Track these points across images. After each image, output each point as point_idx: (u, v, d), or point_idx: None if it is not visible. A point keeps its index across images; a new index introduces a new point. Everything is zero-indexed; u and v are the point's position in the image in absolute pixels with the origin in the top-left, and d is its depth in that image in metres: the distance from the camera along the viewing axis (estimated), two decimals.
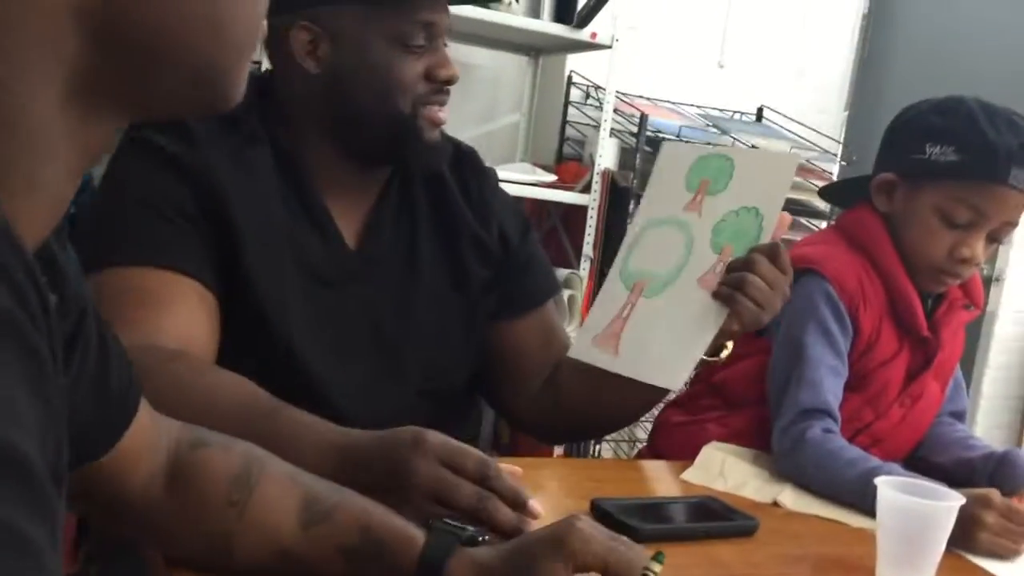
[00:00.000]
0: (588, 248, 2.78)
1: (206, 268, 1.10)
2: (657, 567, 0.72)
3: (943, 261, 1.36)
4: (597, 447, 2.76)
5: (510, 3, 2.64)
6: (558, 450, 1.57)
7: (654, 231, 1.28)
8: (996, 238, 1.37)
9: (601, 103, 2.81)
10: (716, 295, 1.19)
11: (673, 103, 3.12)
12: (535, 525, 0.85)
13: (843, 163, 3.06)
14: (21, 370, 0.38)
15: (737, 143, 2.88)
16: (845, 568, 1.04)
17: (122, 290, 1.04)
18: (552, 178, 2.79)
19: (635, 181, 2.75)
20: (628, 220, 2.75)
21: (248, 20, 0.52)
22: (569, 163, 2.97)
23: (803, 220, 2.82)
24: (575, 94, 3.06)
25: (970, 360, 3.15)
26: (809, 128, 3.15)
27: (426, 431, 0.88)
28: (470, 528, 0.79)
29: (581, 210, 2.78)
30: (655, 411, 1.49)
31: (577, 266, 2.81)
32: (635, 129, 2.78)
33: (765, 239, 1.20)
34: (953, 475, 1.36)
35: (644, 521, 1.03)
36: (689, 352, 1.19)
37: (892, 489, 1.01)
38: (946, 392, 1.49)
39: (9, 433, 0.36)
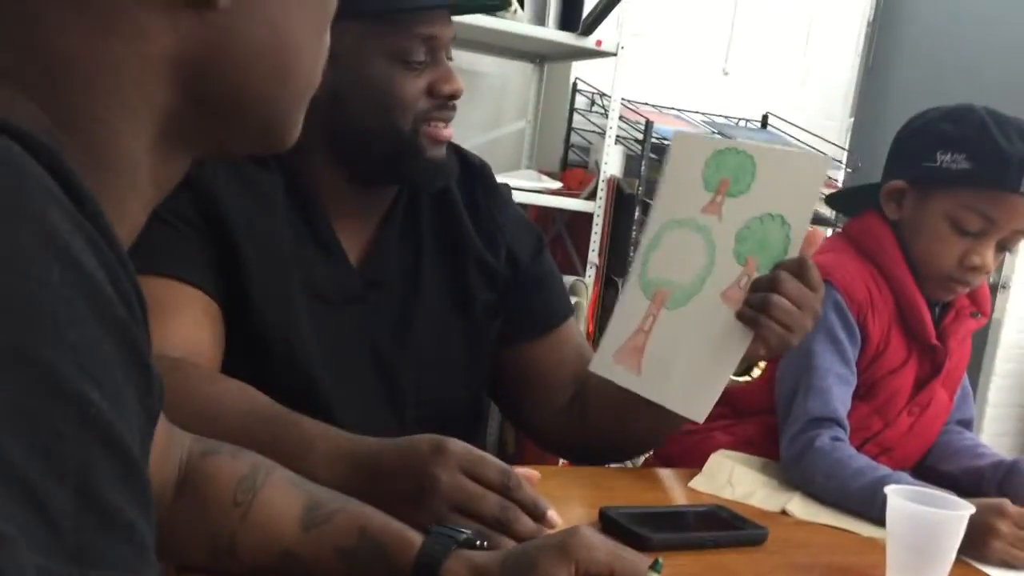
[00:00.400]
0: (593, 255, 2.78)
1: (208, 277, 1.09)
2: None
3: (953, 269, 1.36)
4: None
5: (515, 10, 2.65)
6: (563, 460, 1.56)
7: (672, 233, 1.21)
8: (1006, 246, 1.37)
9: (606, 110, 2.81)
10: (740, 316, 1.12)
11: (678, 110, 3.12)
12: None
13: (848, 170, 3.06)
14: (132, 378, 0.40)
15: None
16: None
17: None
18: (557, 185, 2.79)
19: (640, 188, 2.75)
20: (633, 227, 2.75)
21: (309, 71, 0.57)
22: (574, 170, 2.97)
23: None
24: (580, 101, 3.06)
25: (976, 368, 3.14)
26: (814, 135, 3.15)
27: (447, 439, 0.88)
28: (467, 531, 0.78)
29: (586, 217, 2.78)
30: None
31: (583, 273, 2.80)
32: (640, 136, 2.79)
33: (792, 252, 1.12)
34: (962, 484, 1.36)
35: (653, 530, 1.02)
36: (713, 382, 1.13)
37: (902, 498, 1.00)
38: (954, 400, 1.49)
39: (123, 432, 0.38)
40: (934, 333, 1.40)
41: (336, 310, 1.18)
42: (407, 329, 1.23)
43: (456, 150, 1.28)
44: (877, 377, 1.39)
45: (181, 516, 0.77)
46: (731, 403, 1.47)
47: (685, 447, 1.46)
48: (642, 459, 1.61)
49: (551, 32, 2.72)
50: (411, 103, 1.15)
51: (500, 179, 1.37)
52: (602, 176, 2.78)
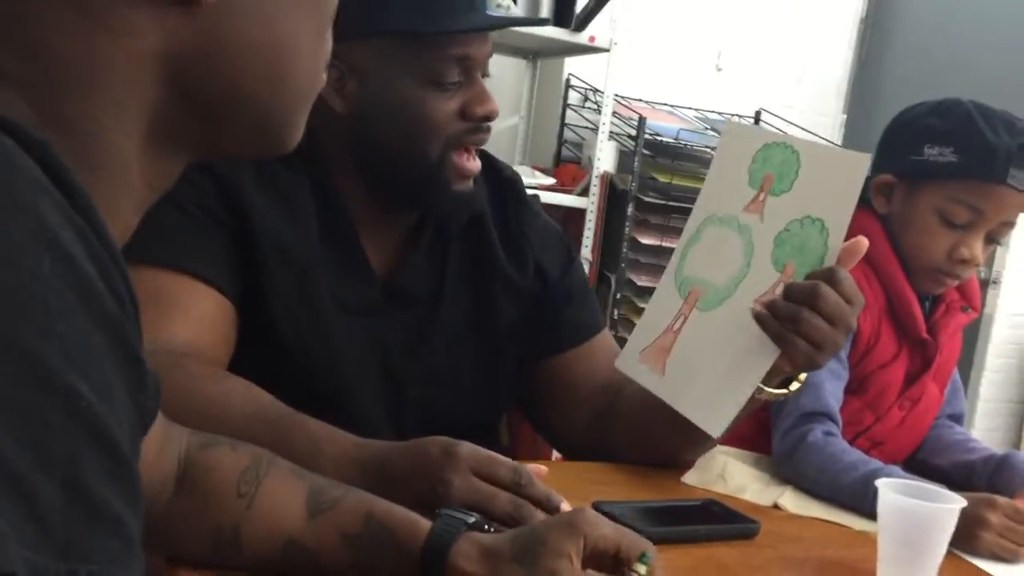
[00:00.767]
0: (586, 251, 2.79)
1: (225, 274, 1.08)
2: (642, 568, 0.73)
3: (942, 262, 1.36)
4: None
5: (509, 6, 2.65)
6: (557, 453, 1.56)
7: (713, 230, 1.16)
8: (994, 239, 1.38)
9: (599, 106, 2.82)
10: (766, 329, 1.05)
11: (672, 106, 3.13)
12: None
13: None
14: (122, 372, 0.40)
15: None
16: (846, 571, 1.04)
17: (139, 289, 1.03)
18: (551, 181, 2.80)
19: (633, 184, 2.75)
20: (627, 223, 2.76)
21: (308, 73, 0.57)
22: (567, 166, 2.98)
23: None
24: (573, 97, 3.07)
25: (967, 363, 3.15)
26: (807, 131, 3.15)
27: (455, 442, 0.89)
28: (475, 515, 0.79)
29: (580, 213, 2.79)
30: None
31: None
32: (634, 132, 2.79)
33: (830, 260, 1.04)
34: (952, 477, 1.37)
35: (645, 523, 1.03)
36: (732, 396, 1.08)
37: (893, 491, 1.01)
38: (944, 395, 1.49)
39: (112, 426, 0.38)
40: (924, 327, 1.41)
41: (354, 319, 1.17)
42: (423, 343, 1.22)
43: (487, 160, 1.25)
44: (868, 371, 1.39)
45: (182, 510, 0.77)
46: None
47: None
48: None
49: (544, 28, 2.73)
50: (442, 127, 1.11)
51: None
52: (595, 172, 2.78)
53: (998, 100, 1.39)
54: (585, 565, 0.74)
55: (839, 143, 3.42)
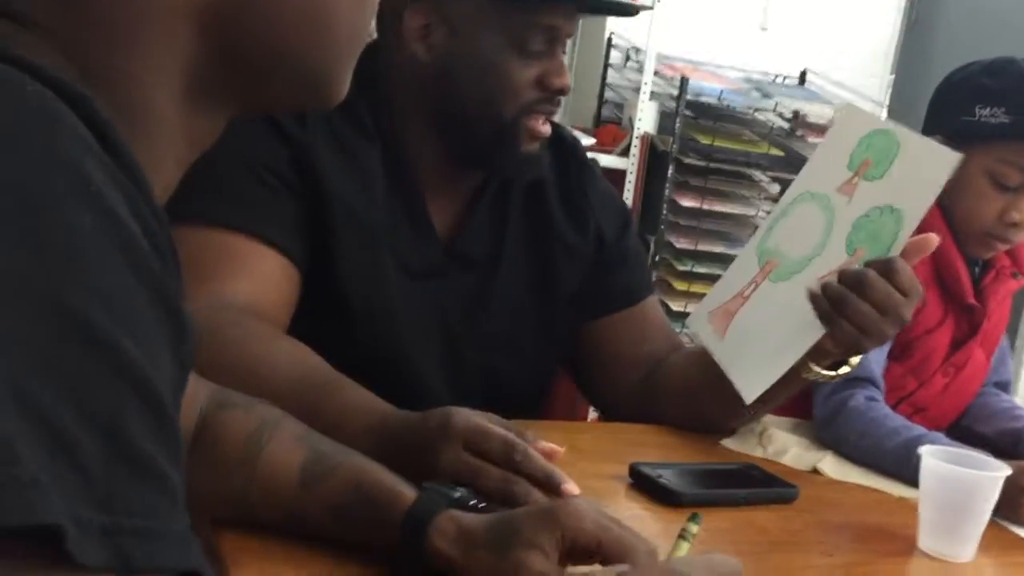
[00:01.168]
0: None
1: (293, 238, 1.09)
2: (695, 528, 0.69)
3: (993, 225, 1.34)
4: None
5: None
6: (594, 414, 1.56)
7: (804, 206, 1.17)
8: None
9: (641, 66, 2.78)
10: (816, 308, 1.06)
11: (715, 66, 3.08)
12: None
13: None
14: (167, 332, 0.40)
15: (779, 106, 2.84)
16: (885, 537, 1.03)
17: (204, 248, 1.04)
18: (591, 141, 2.77)
19: (674, 145, 2.72)
20: (667, 185, 2.73)
21: (352, 23, 0.54)
22: (608, 126, 2.95)
23: None
24: (615, 56, 3.03)
25: (1014, 330, 3.10)
26: (854, 92, 3.09)
27: (455, 413, 0.86)
28: (460, 490, 0.77)
29: (619, 174, 2.77)
30: None
31: None
32: (676, 92, 2.76)
33: (896, 251, 1.05)
34: (998, 446, 1.34)
35: (683, 486, 1.02)
36: (772, 367, 1.10)
37: (936, 458, 0.99)
38: (992, 362, 1.47)
39: (155, 382, 0.38)
40: (972, 292, 1.39)
41: (417, 282, 1.18)
42: (481, 307, 1.22)
43: (557, 130, 1.26)
44: (912, 337, 1.37)
45: (196, 470, 0.77)
46: None
47: None
48: None
49: None
50: (519, 92, 1.13)
51: None
52: (636, 133, 2.76)
53: None
54: (569, 558, 0.71)
55: (886, 105, 3.35)
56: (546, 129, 1.17)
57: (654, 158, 2.80)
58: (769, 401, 1.17)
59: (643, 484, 1.03)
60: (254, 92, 0.53)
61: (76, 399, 0.34)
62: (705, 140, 2.77)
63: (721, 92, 2.79)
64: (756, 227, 2.92)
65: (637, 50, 2.91)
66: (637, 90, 2.78)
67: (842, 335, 1.05)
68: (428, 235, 1.19)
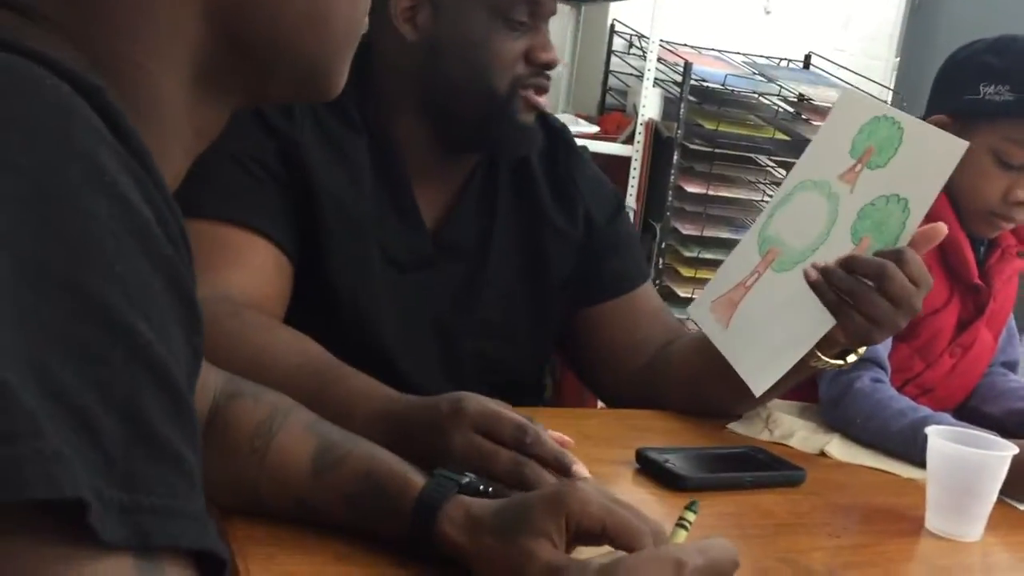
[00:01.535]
0: (631, 200, 2.76)
1: (282, 228, 1.09)
2: (691, 516, 0.69)
3: (997, 204, 1.33)
4: None
5: None
6: (601, 402, 1.56)
7: (805, 194, 1.17)
8: None
9: (644, 52, 2.77)
10: (823, 298, 1.05)
11: (719, 51, 3.07)
12: None
13: None
14: (181, 318, 0.41)
15: (784, 90, 2.83)
16: (894, 518, 1.03)
17: (198, 242, 1.03)
18: (595, 129, 2.77)
19: (679, 131, 2.71)
20: (672, 171, 2.72)
21: (348, 16, 0.56)
22: (612, 114, 2.94)
23: None
24: (618, 43, 3.02)
25: (1021, 309, 3.09)
26: (859, 75, 3.08)
27: (465, 398, 0.86)
28: (470, 476, 0.77)
29: (624, 161, 2.76)
30: None
31: None
32: (679, 78, 2.75)
33: (904, 241, 1.04)
34: (1006, 426, 1.34)
35: (689, 470, 1.02)
36: (781, 359, 1.10)
37: (943, 438, 0.99)
38: (999, 342, 1.47)
39: (171, 366, 0.38)
40: (976, 272, 1.38)
41: (407, 273, 1.18)
42: (472, 296, 1.22)
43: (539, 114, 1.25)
44: (918, 317, 1.35)
45: (208, 459, 0.78)
46: None
47: None
48: None
49: None
50: (508, 64, 1.13)
51: None
52: (640, 119, 2.75)
53: None
54: (577, 541, 0.71)
55: (891, 88, 3.34)
56: (541, 100, 1.17)
57: (659, 145, 2.80)
58: (775, 390, 1.17)
59: (650, 469, 1.03)
60: (257, 82, 0.54)
61: (94, 380, 0.35)
62: (710, 125, 2.76)
63: (725, 77, 2.78)
64: (762, 212, 2.92)
65: (640, 36, 2.90)
66: (641, 77, 2.78)
67: (852, 325, 1.05)
68: (416, 226, 1.19)
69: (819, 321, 1.07)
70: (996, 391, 1.45)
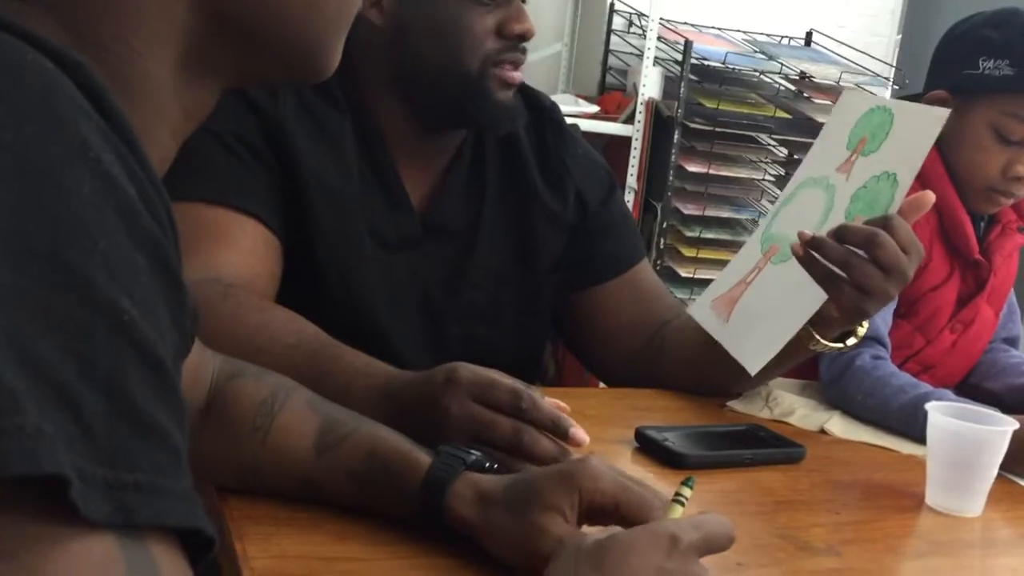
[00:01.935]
0: (632, 180, 2.75)
1: (270, 209, 1.09)
2: (687, 492, 0.69)
3: (996, 180, 1.33)
4: None
5: None
6: (601, 382, 1.56)
7: (806, 191, 1.18)
8: None
9: (644, 31, 2.75)
10: (813, 272, 1.05)
11: (719, 29, 3.05)
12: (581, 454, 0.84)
13: (895, 87, 2.98)
14: (165, 295, 0.40)
15: (785, 68, 2.81)
16: (894, 494, 1.03)
17: (187, 224, 1.02)
18: (595, 109, 2.75)
19: (679, 111, 2.70)
20: (673, 151, 2.71)
21: None
22: (612, 93, 2.92)
23: None
24: (618, 22, 3.00)
25: (1022, 285, 3.08)
26: (860, 52, 3.06)
27: (459, 367, 0.86)
28: (476, 453, 0.77)
29: (625, 141, 2.75)
30: None
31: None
32: (680, 57, 2.73)
33: (893, 210, 1.04)
34: (1006, 402, 1.34)
35: (689, 448, 1.02)
36: (775, 338, 1.10)
37: (943, 414, 0.99)
38: (999, 318, 1.46)
39: (155, 343, 0.38)
40: (977, 248, 1.38)
41: (395, 254, 1.17)
42: (461, 277, 1.21)
43: (524, 90, 1.24)
44: (918, 294, 1.36)
45: (208, 439, 0.78)
46: None
47: None
48: None
49: None
50: (479, 42, 1.11)
51: None
52: (640, 99, 2.73)
53: None
54: (586, 519, 0.71)
55: (893, 64, 3.32)
56: (516, 76, 1.15)
57: (659, 124, 2.78)
58: (773, 371, 1.17)
59: (649, 447, 1.03)
60: (247, 62, 0.53)
61: (77, 355, 0.35)
62: (710, 104, 2.74)
63: (726, 55, 2.76)
64: (764, 191, 2.91)
65: (640, 15, 2.88)
66: (640, 56, 2.76)
67: (843, 297, 1.04)
68: (403, 207, 1.18)
69: (810, 297, 1.07)
70: (997, 367, 1.44)
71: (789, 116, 2.80)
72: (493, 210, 1.23)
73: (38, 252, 0.35)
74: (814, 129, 2.73)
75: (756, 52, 2.92)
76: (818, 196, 1.16)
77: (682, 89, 2.70)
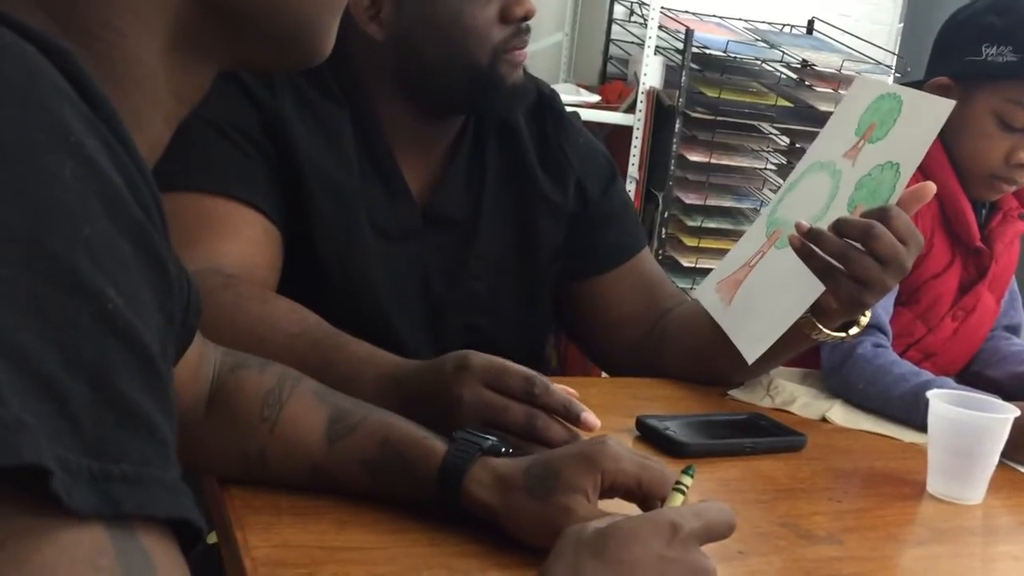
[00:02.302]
0: (633, 169, 2.75)
1: (270, 199, 1.09)
2: (688, 480, 0.70)
3: (999, 167, 1.32)
4: None
5: None
6: (605, 373, 1.56)
7: (813, 175, 1.18)
8: None
9: (646, 20, 2.75)
10: (810, 264, 1.04)
11: (720, 17, 3.04)
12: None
13: (897, 75, 2.97)
14: (150, 280, 0.40)
15: (787, 56, 2.80)
16: (895, 482, 1.03)
17: (187, 215, 1.03)
18: (596, 98, 2.75)
19: (681, 100, 2.69)
20: (674, 140, 2.71)
21: None
22: (613, 83, 2.92)
23: None
24: (619, 11, 3.00)
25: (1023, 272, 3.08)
26: (863, 40, 3.05)
27: (470, 355, 0.86)
28: (491, 438, 0.77)
29: (626, 130, 2.74)
30: None
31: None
32: (681, 46, 2.72)
33: (893, 201, 1.04)
34: (1008, 390, 1.34)
35: (690, 437, 1.02)
36: (773, 327, 1.10)
37: (944, 402, 0.99)
38: (1001, 305, 1.46)
39: (141, 331, 0.37)
40: (979, 235, 1.37)
41: (395, 244, 1.17)
42: (461, 267, 1.21)
43: (528, 77, 1.23)
44: (920, 282, 1.36)
45: (211, 432, 0.78)
46: None
47: None
48: None
49: None
50: (485, 33, 1.10)
51: None
52: (641, 88, 2.73)
53: None
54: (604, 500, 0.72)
55: (895, 53, 3.31)
56: (523, 55, 1.14)
57: (660, 113, 2.77)
58: (774, 359, 1.17)
59: (650, 436, 1.03)
60: (239, 45, 0.53)
61: (60, 344, 0.34)
62: (712, 93, 2.74)
63: (727, 44, 2.76)
64: (765, 180, 2.91)
65: (641, 3, 2.87)
66: (642, 45, 2.75)
67: (840, 289, 1.04)
68: (403, 197, 1.18)
69: (808, 288, 1.07)
70: (999, 355, 1.44)
71: (791, 105, 2.79)
72: (493, 200, 1.23)
73: (20, 239, 0.34)
74: (816, 118, 2.72)
75: (758, 40, 2.91)
76: (824, 181, 1.15)
77: (683, 78, 2.70)
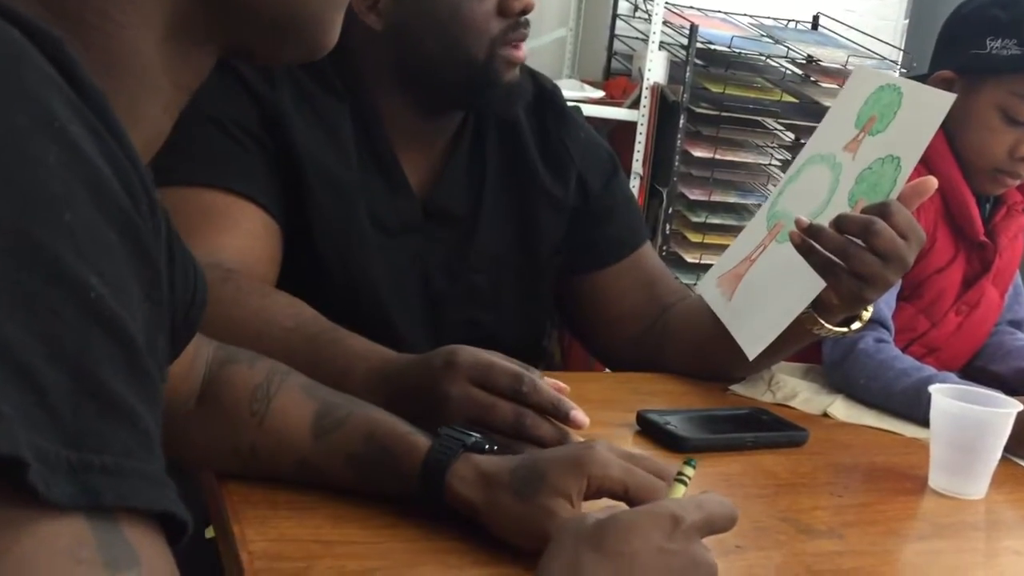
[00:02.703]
0: (637, 165, 2.74)
1: (270, 194, 1.08)
2: (690, 471, 0.69)
3: (1003, 161, 1.32)
4: None
5: None
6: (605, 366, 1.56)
7: (813, 168, 1.18)
8: None
9: (650, 15, 2.74)
10: (811, 260, 1.04)
11: (725, 13, 3.03)
12: (582, 437, 0.84)
13: (903, 70, 2.96)
14: (136, 270, 0.39)
15: (792, 52, 2.79)
16: (897, 477, 1.03)
17: (186, 209, 1.03)
18: (600, 94, 2.74)
19: (685, 95, 2.69)
20: (678, 136, 2.70)
21: None
22: (618, 78, 2.91)
23: None
24: (623, 7, 2.99)
25: None
26: (868, 35, 3.04)
27: (459, 350, 0.85)
28: (476, 435, 0.77)
29: (630, 126, 2.74)
30: None
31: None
32: (685, 41, 2.71)
33: (893, 196, 1.03)
34: (1012, 385, 1.33)
35: (690, 431, 1.02)
36: (774, 323, 1.10)
37: (946, 396, 0.99)
38: (1005, 300, 1.45)
39: (125, 321, 0.37)
40: (982, 229, 1.37)
41: (395, 239, 1.17)
42: (462, 262, 1.21)
43: (528, 72, 1.23)
44: (923, 276, 1.36)
45: (202, 426, 0.78)
46: None
47: None
48: None
49: None
50: (483, 28, 1.10)
51: None
52: (646, 84, 2.72)
53: None
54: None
55: (901, 48, 3.30)
56: (520, 54, 1.14)
57: (665, 109, 2.77)
58: (776, 355, 1.17)
59: (651, 431, 1.03)
60: (236, 37, 0.52)
61: (41, 334, 0.34)
62: (716, 89, 2.73)
63: (732, 39, 2.75)
64: (770, 176, 2.90)
65: None
66: (646, 41, 2.74)
67: (841, 286, 1.03)
68: (403, 191, 1.18)
69: (809, 284, 1.07)
70: (1003, 349, 1.43)
71: (796, 100, 2.78)
72: (494, 195, 1.23)
73: (2, 226, 0.34)
74: (821, 113, 2.70)
75: (762, 36, 2.90)
76: (824, 174, 1.15)
77: (688, 74, 2.69)
